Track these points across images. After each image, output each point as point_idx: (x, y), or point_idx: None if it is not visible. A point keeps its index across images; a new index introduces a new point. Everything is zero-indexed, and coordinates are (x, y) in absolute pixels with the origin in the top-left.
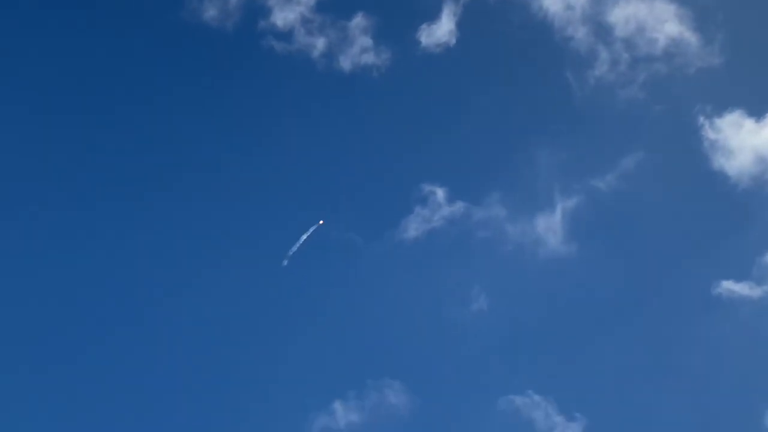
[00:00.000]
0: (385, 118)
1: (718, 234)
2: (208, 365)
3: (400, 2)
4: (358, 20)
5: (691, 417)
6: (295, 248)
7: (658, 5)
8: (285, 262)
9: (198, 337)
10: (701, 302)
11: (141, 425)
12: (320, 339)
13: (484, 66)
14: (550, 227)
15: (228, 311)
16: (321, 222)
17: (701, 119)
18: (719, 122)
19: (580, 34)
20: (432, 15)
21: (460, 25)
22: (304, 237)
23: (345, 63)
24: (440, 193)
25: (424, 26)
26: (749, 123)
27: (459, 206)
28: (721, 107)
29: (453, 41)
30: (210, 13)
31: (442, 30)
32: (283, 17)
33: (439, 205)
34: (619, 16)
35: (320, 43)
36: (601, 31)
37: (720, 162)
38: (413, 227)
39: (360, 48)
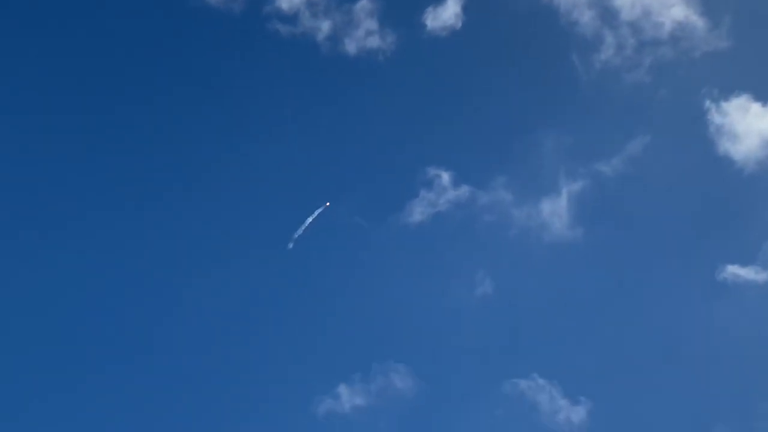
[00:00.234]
0: (391, 102)
1: (724, 218)
2: (214, 349)
3: None
4: (364, 3)
5: (695, 401)
6: (300, 231)
7: None
8: (290, 245)
9: (204, 321)
10: (706, 286)
11: (147, 409)
12: (325, 322)
13: (489, 49)
14: (556, 211)
15: (233, 295)
16: (327, 204)
17: (707, 103)
18: (725, 106)
19: (586, 17)
20: None
21: (466, 8)
22: (310, 219)
23: (350, 46)
24: (446, 177)
25: (429, 9)
26: (756, 107)
27: (464, 190)
28: (727, 91)
29: (459, 24)
30: None
31: (447, 13)
32: (288, 0)
33: (444, 189)
34: (625, 0)
35: (325, 26)
36: (607, 14)
37: (726, 146)
38: (419, 211)
39: (365, 31)
